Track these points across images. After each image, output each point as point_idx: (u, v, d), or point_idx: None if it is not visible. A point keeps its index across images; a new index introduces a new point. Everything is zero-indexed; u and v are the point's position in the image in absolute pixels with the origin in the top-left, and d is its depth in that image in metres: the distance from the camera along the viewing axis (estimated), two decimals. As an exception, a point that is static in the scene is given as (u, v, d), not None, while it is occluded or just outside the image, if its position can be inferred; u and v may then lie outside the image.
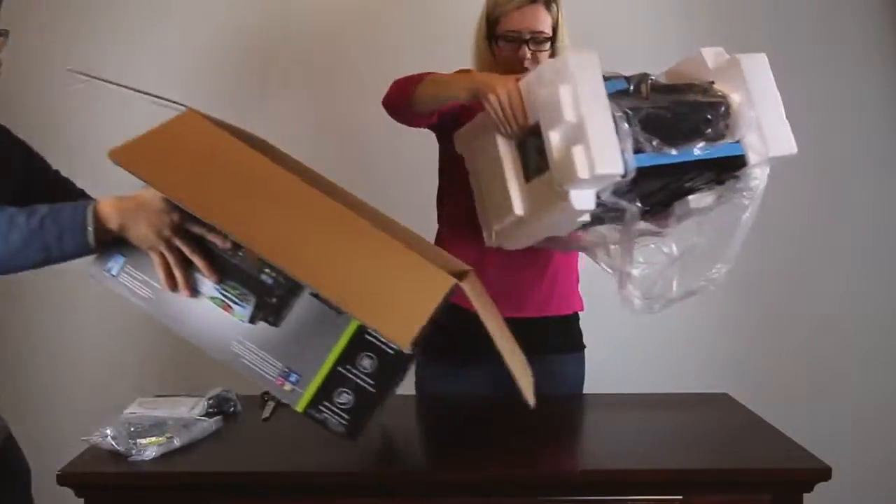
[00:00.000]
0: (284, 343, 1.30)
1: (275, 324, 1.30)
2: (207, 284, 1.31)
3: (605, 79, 1.52)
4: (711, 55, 1.66)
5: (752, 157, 1.59)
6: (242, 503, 1.44)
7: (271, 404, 1.75)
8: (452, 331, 1.89)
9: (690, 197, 1.64)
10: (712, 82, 1.63)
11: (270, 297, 1.30)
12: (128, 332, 2.55)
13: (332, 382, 1.30)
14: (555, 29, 1.82)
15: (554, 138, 1.51)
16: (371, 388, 1.30)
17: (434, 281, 1.28)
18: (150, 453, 1.42)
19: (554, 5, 1.81)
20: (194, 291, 1.32)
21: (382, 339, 1.28)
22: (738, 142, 1.59)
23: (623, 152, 1.47)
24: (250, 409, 1.72)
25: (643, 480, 1.44)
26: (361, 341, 1.29)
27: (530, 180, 1.60)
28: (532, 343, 1.86)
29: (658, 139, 1.51)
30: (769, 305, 2.64)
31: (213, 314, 1.32)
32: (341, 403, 1.31)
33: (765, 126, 1.59)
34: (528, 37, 1.78)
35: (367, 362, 1.30)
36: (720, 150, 1.57)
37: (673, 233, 1.68)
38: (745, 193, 1.61)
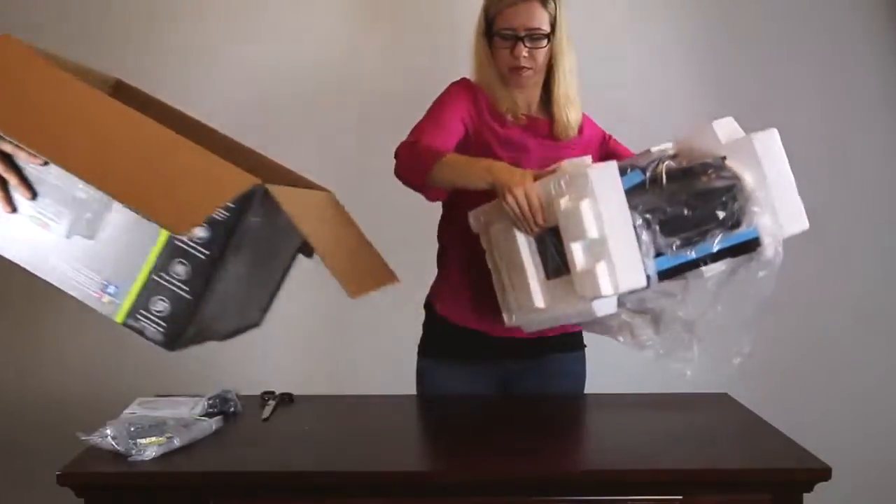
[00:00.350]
0: (102, 256, 1.31)
1: (90, 237, 1.30)
2: (24, 203, 1.31)
3: (622, 172, 1.53)
4: (723, 128, 1.65)
5: (766, 239, 1.59)
6: (242, 503, 1.44)
7: (271, 404, 1.75)
8: (453, 331, 1.91)
9: (703, 268, 1.62)
10: (724, 157, 1.61)
11: (85, 211, 1.30)
12: (128, 331, 2.54)
13: (148, 291, 1.30)
14: (553, 25, 1.80)
15: (577, 251, 1.52)
16: (187, 295, 1.30)
17: (231, 179, 1.27)
18: (150, 453, 1.42)
19: (552, 2, 1.79)
20: (12, 208, 1.31)
21: (193, 244, 1.28)
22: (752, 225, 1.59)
23: (644, 263, 1.49)
24: (250, 409, 1.73)
25: (643, 480, 1.44)
26: (174, 248, 1.29)
27: (550, 278, 1.62)
28: (532, 343, 1.86)
29: (678, 240, 1.53)
30: (769, 306, 2.64)
31: (32, 232, 1.32)
32: (157, 311, 1.31)
33: (778, 206, 1.59)
34: (523, 34, 1.77)
35: (180, 268, 1.30)
36: (736, 237, 1.58)
37: (689, 298, 1.67)
38: (760, 270, 1.63)
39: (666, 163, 1.59)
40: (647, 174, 1.57)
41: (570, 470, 1.45)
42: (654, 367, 2.53)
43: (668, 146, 1.67)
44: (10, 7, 2.42)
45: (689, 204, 1.55)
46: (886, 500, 2.67)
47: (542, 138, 1.86)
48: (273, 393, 1.82)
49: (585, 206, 1.48)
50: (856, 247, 2.65)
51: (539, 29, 1.77)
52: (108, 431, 1.44)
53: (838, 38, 2.60)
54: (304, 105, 2.55)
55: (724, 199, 1.56)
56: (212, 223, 1.26)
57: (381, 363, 2.33)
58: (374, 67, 2.52)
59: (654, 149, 1.73)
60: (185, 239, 1.27)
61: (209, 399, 1.69)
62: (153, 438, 1.45)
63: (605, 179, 1.50)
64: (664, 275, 1.53)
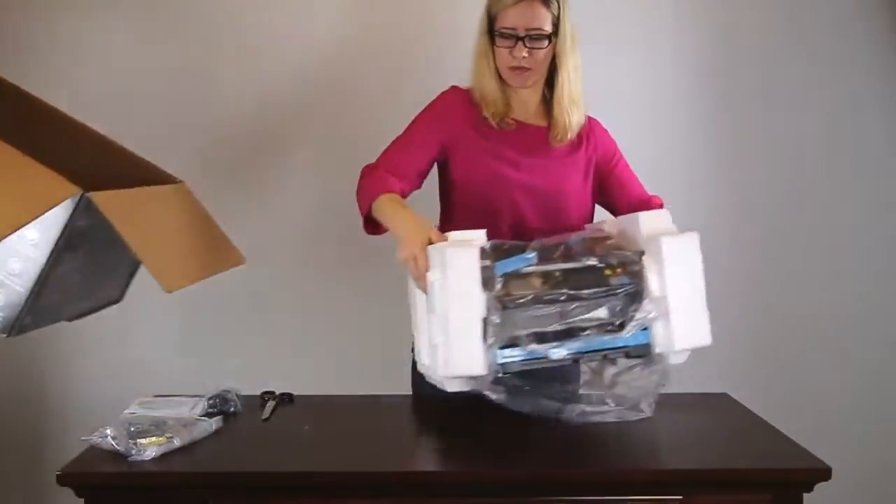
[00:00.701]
0: None
1: None
2: None
3: (517, 251, 1.51)
4: (650, 222, 1.60)
5: (659, 347, 1.54)
6: (242, 503, 1.44)
7: (271, 404, 1.75)
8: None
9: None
10: (642, 253, 1.55)
11: None
12: (128, 331, 2.55)
13: None
14: (556, 25, 1.78)
15: (432, 326, 1.51)
16: (20, 288, 1.43)
17: (47, 191, 1.33)
18: (150, 453, 1.42)
19: (554, 1, 1.78)
20: None
21: (26, 243, 1.41)
22: (646, 329, 1.53)
23: (487, 352, 1.46)
24: (250, 409, 1.73)
25: (643, 480, 1.44)
26: (7, 248, 1.39)
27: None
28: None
29: (550, 333, 1.48)
30: (769, 305, 2.64)
31: None
32: None
33: (678, 316, 1.52)
34: (523, 34, 1.76)
35: (14, 265, 1.42)
36: (621, 341, 1.51)
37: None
38: (652, 372, 1.57)
39: (565, 248, 1.55)
40: (536, 259, 1.52)
41: (570, 470, 1.45)
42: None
43: (602, 225, 1.65)
44: None
45: (572, 297, 1.50)
46: (886, 500, 2.67)
47: (533, 147, 1.84)
48: (273, 393, 1.82)
49: (437, 284, 1.48)
50: (856, 247, 2.65)
51: (540, 29, 1.76)
52: (108, 431, 1.44)
53: (839, 39, 2.59)
54: (304, 103, 2.55)
55: (612, 298, 1.51)
56: (41, 225, 1.37)
57: (381, 363, 2.33)
58: (373, 64, 2.53)
59: (588, 226, 1.73)
60: (15, 238, 1.35)
61: (209, 399, 1.69)
62: (153, 438, 1.45)
63: (462, 260, 1.48)
64: (517, 365, 1.49)
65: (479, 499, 1.45)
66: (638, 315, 1.50)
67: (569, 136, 1.85)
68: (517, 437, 1.57)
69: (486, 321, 1.48)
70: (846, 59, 2.59)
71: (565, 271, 1.52)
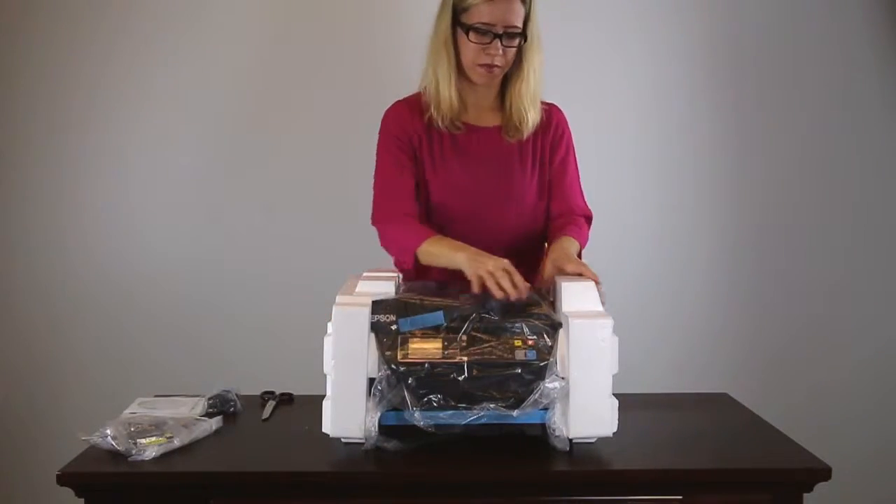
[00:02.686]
0: None
1: None
2: None
3: (424, 310, 1.47)
4: (572, 294, 1.51)
5: (556, 430, 1.45)
6: (242, 503, 1.44)
7: (271, 404, 1.75)
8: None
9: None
10: (559, 326, 1.48)
11: None
12: (128, 331, 2.55)
13: None
14: (525, 22, 1.73)
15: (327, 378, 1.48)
16: None
17: None
18: (150, 453, 1.42)
19: None
20: None
21: None
22: (545, 408, 1.45)
23: (367, 416, 1.43)
24: (250, 409, 1.73)
25: (643, 480, 1.44)
26: None
27: None
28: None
29: (442, 401, 1.42)
30: (769, 305, 2.64)
31: None
32: None
33: (577, 404, 1.44)
34: (500, 31, 1.70)
35: None
36: (513, 418, 1.43)
37: None
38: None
39: (481, 309, 1.50)
40: (443, 320, 1.47)
41: (571, 470, 1.45)
42: (655, 368, 2.54)
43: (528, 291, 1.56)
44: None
45: (471, 366, 1.44)
46: (886, 500, 2.67)
47: (483, 150, 1.81)
48: (273, 393, 1.82)
49: (327, 342, 1.46)
50: (856, 246, 2.65)
51: (516, 26, 1.72)
52: (108, 431, 1.44)
53: (838, 39, 2.60)
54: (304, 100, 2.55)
55: (514, 373, 1.43)
56: None
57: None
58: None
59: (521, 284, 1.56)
60: None
61: (209, 399, 1.69)
62: (153, 438, 1.45)
63: (351, 319, 1.45)
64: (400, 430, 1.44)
65: (478, 499, 1.45)
66: (535, 395, 1.42)
67: (525, 134, 1.81)
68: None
69: (373, 382, 1.44)
70: (847, 60, 2.60)
71: (471, 337, 1.46)
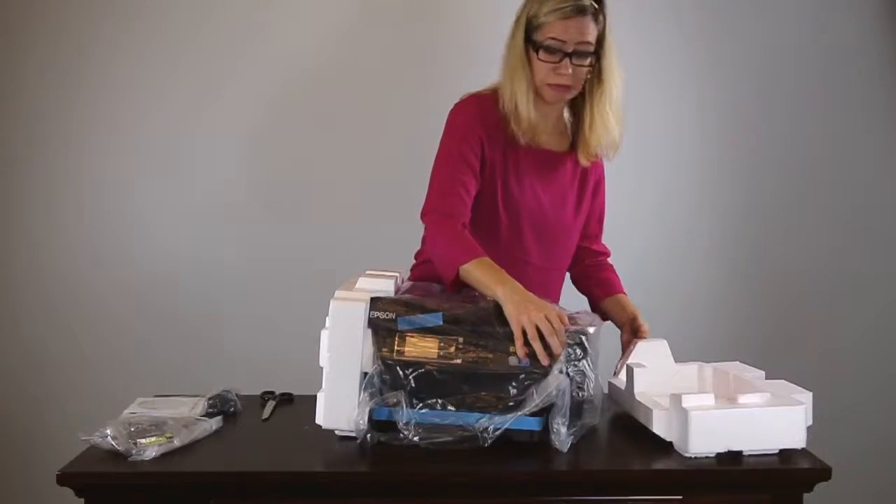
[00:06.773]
0: None
1: None
2: None
3: (424, 311, 1.48)
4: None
5: (555, 433, 1.44)
6: (242, 503, 1.44)
7: (271, 404, 1.75)
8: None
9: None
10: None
11: None
12: (128, 331, 2.55)
13: None
14: (599, 41, 1.70)
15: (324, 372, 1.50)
16: None
17: None
18: (150, 453, 1.42)
19: (601, 16, 1.69)
20: None
21: None
22: (537, 415, 1.45)
23: (360, 409, 1.43)
24: (250, 409, 1.73)
25: (643, 480, 1.44)
26: None
27: None
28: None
29: (437, 399, 1.43)
30: (769, 305, 2.64)
31: None
32: None
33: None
34: (571, 49, 1.66)
35: None
36: (510, 423, 1.43)
37: None
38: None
39: (477, 311, 1.50)
40: (441, 321, 1.48)
41: (571, 470, 1.45)
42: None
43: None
44: None
45: (467, 366, 1.45)
46: (886, 500, 2.67)
47: (546, 172, 1.80)
48: (273, 393, 1.82)
49: (324, 335, 1.48)
50: (856, 246, 2.65)
51: (588, 43, 1.68)
52: (108, 431, 1.44)
53: (839, 40, 2.60)
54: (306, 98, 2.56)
55: (507, 377, 1.45)
56: None
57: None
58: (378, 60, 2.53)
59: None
60: None
61: (209, 399, 1.69)
62: (153, 438, 1.45)
63: (347, 313, 1.47)
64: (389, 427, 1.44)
65: (479, 499, 1.45)
66: (528, 403, 1.43)
67: (599, 157, 1.82)
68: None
69: (366, 377, 1.45)
70: (847, 60, 2.60)
71: (468, 340, 1.47)
